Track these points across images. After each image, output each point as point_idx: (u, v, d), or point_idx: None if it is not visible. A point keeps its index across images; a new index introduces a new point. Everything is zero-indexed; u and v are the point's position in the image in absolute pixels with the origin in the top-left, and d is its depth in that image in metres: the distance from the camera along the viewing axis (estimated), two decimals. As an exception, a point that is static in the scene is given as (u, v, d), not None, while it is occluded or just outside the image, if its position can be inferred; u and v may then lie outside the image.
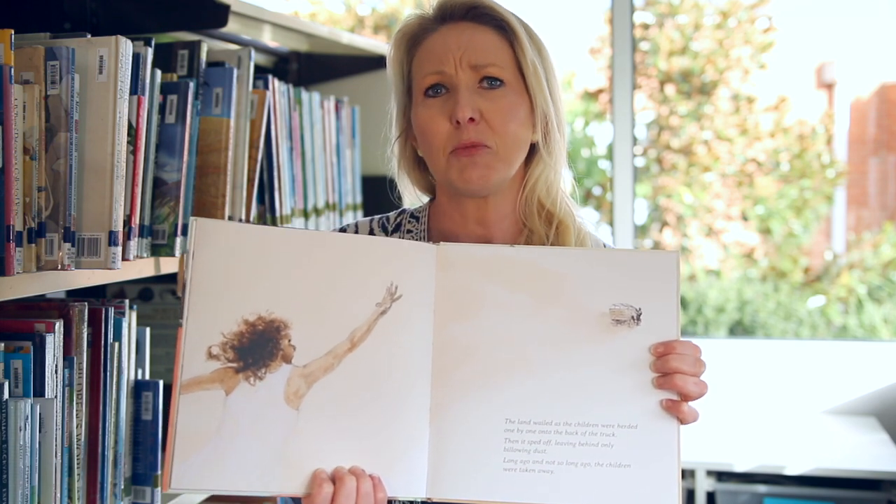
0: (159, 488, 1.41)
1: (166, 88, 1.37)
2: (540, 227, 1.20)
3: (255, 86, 1.61)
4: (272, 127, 1.69)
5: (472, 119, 1.13)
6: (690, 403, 1.08)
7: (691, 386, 1.06)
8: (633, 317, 1.08)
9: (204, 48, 1.46)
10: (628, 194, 3.19)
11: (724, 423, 3.00)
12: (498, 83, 1.15)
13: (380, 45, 2.24)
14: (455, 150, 1.14)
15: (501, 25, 1.17)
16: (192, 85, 1.39)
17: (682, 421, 1.07)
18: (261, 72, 1.70)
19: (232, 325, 1.02)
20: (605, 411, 1.06)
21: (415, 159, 1.26)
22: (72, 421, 1.24)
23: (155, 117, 1.34)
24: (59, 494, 1.20)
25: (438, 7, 1.19)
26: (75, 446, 1.25)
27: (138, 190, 1.27)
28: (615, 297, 1.08)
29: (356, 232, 1.27)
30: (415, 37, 1.21)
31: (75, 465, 1.25)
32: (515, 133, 1.15)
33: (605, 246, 1.27)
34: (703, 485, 2.63)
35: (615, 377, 1.07)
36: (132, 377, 1.38)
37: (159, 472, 1.41)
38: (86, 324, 1.28)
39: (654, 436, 1.06)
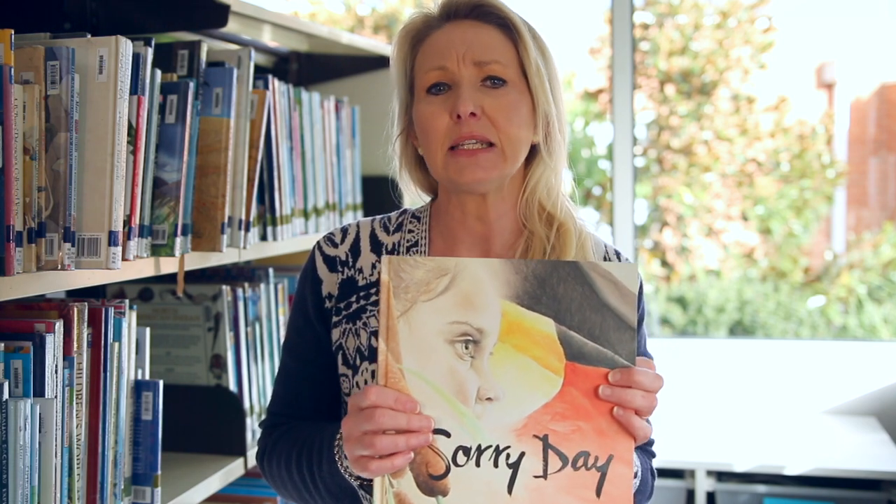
0: (159, 488, 1.41)
1: (166, 88, 1.37)
2: (541, 229, 1.19)
3: (255, 86, 1.61)
4: (272, 127, 1.68)
5: (473, 114, 1.12)
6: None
7: (640, 400, 1.00)
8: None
9: (204, 48, 1.46)
10: (628, 194, 3.19)
11: (724, 423, 3.00)
12: (500, 82, 1.15)
13: (380, 45, 2.23)
14: (456, 149, 1.14)
15: (505, 24, 1.17)
16: (192, 85, 1.39)
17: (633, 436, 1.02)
18: (261, 72, 1.70)
19: None
20: None
21: (416, 158, 1.26)
22: (72, 421, 1.24)
23: (155, 117, 1.34)
24: (59, 494, 1.20)
25: (443, 5, 1.19)
26: (75, 446, 1.25)
27: (138, 190, 1.27)
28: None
29: (357, 232, 1.27)
30: (418, 34, 1.20)
31: (75, 465, 1.25)
32: (518, 131, 1.15)
33: (605, 247, 1.27)
34: (703, 485, 2.63)
35: None
36: (132, 377, 1.38)
37: (159, 472, 1.41)
38: (86, 324, 1.27)
39: None
